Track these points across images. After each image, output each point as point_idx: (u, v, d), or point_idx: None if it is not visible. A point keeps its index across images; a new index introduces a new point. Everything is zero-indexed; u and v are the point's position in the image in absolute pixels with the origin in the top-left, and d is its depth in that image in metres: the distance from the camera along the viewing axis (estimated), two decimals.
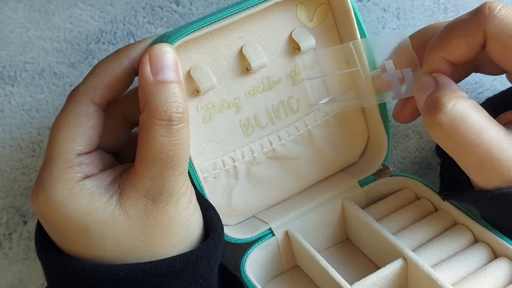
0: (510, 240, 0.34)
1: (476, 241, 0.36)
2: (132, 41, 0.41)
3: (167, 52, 0.29)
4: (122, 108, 0.34)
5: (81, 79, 0.41)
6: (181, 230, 0.30)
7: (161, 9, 0.41)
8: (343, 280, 0.33)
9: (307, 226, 0.38)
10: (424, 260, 0.34)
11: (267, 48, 0.35)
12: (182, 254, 0.30)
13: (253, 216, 0.39)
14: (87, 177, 0.30)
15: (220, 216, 0.34)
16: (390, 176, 0.40)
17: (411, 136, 0.45)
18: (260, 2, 0.33)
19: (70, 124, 0.30)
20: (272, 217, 0.38)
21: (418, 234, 0.37)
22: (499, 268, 0.33)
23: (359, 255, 0.40)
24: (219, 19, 0.32)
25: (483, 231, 0.35)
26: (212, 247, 0.31)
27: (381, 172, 0.40)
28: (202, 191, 0.34)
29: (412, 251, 0.35)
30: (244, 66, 0.35)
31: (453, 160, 0.33)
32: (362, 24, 0.36)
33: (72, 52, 0.40)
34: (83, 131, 0.30)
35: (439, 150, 0.39)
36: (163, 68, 0.29)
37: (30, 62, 0.40)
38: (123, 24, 0.41)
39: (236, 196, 0.37)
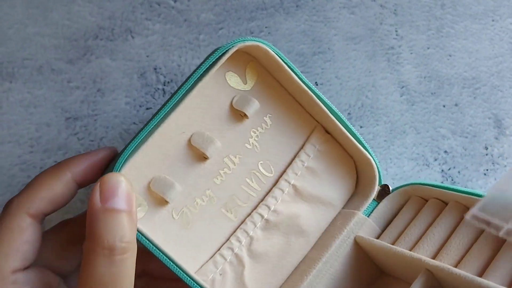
0: None
1: None
2: (129, 37, 0.41)
3: (120, 182, 0.28)
4: (74, 229, 0.32)
5: (79, 76, 0.42)
6: None
7: (159, 5, 0.41)
8: None
9: (331, 278, 0.36)
10: (446, 261, 0.33)
11: (214, 128, 0.34)
12: None
13: None
14: None
15: None
16: (391, 192, 0.39)
17: (408, 132, 0.45)
18: (186, 93, 0.31)
19: (3, 239, 0.29)
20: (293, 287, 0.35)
21: (434, 238, 0.35)
22: None
23: (399, 283, 0.37)
24: (153, 127, 0.30)
25: None
26: None
27: (382, 193, 0.39)
28: None
29: (434, 257, 0.34)
30: (200, 156, 0.34)
31: None
32: (291, 64, 0.34)
33: (70, 48, 0.40)
34: (16, 246, 0.29)
35: None
36: (113, 196, 0.27)
37: (28, 59, 0.40)
38: (121, 21, 0.41)
39: (250, 280, 0.35)
